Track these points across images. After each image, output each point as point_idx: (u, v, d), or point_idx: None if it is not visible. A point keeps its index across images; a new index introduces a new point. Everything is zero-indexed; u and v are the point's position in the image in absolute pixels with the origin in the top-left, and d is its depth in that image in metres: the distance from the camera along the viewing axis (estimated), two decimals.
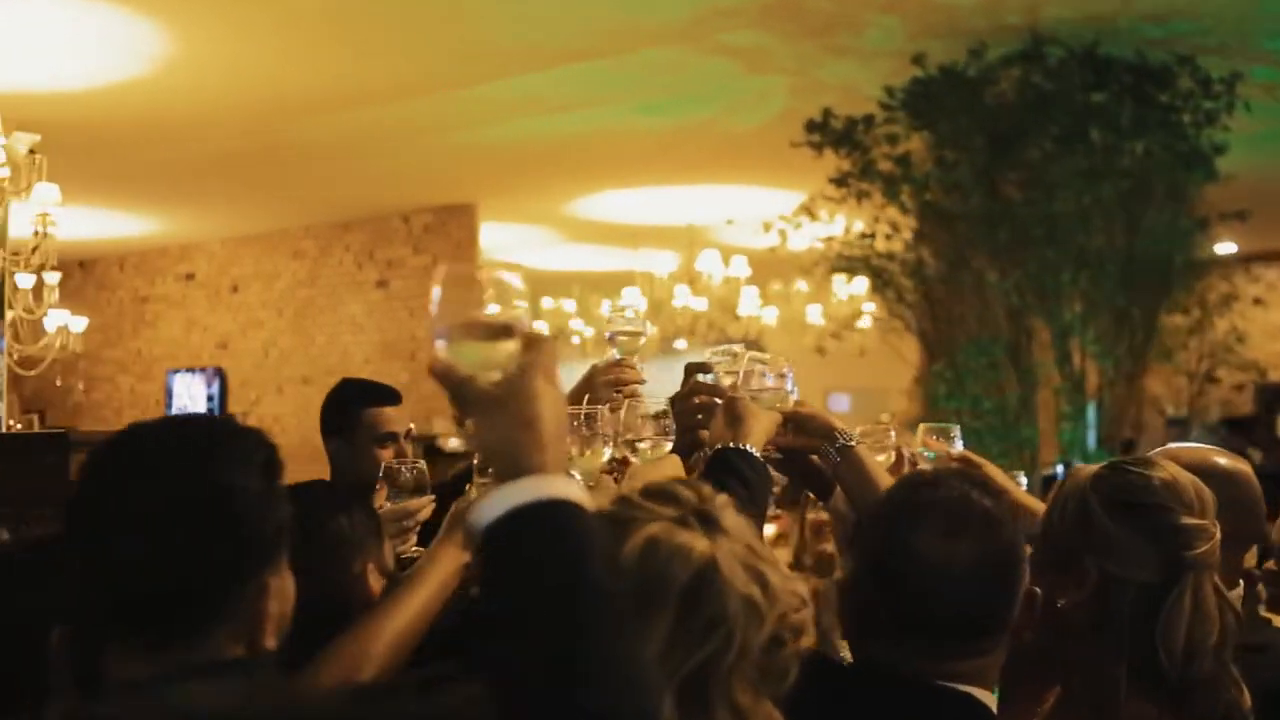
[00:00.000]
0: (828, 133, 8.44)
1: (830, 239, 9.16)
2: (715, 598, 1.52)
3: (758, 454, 2.39)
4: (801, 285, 12.33)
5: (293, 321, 13.92)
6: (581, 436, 2.40)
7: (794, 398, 2.65)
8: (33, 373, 11.38)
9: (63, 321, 11.77)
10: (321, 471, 3.64)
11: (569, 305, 14.79)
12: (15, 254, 7.77)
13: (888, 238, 8.71)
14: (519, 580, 1.27)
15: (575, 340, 14.97)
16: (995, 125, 8.08)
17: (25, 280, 11.21)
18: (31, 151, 7.82)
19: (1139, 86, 7.94)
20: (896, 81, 8.26)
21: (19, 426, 11.11)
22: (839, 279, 11.04)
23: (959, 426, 2.90)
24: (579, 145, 10.38)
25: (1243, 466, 2.70)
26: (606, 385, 2.72)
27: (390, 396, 3.94)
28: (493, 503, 1.30)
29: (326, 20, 7.75)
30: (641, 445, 2.46)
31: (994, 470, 2.79)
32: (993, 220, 8.11)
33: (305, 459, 2.88)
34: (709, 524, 1.58)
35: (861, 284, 10.87)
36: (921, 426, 2.93)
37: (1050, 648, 2.20)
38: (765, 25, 7.73)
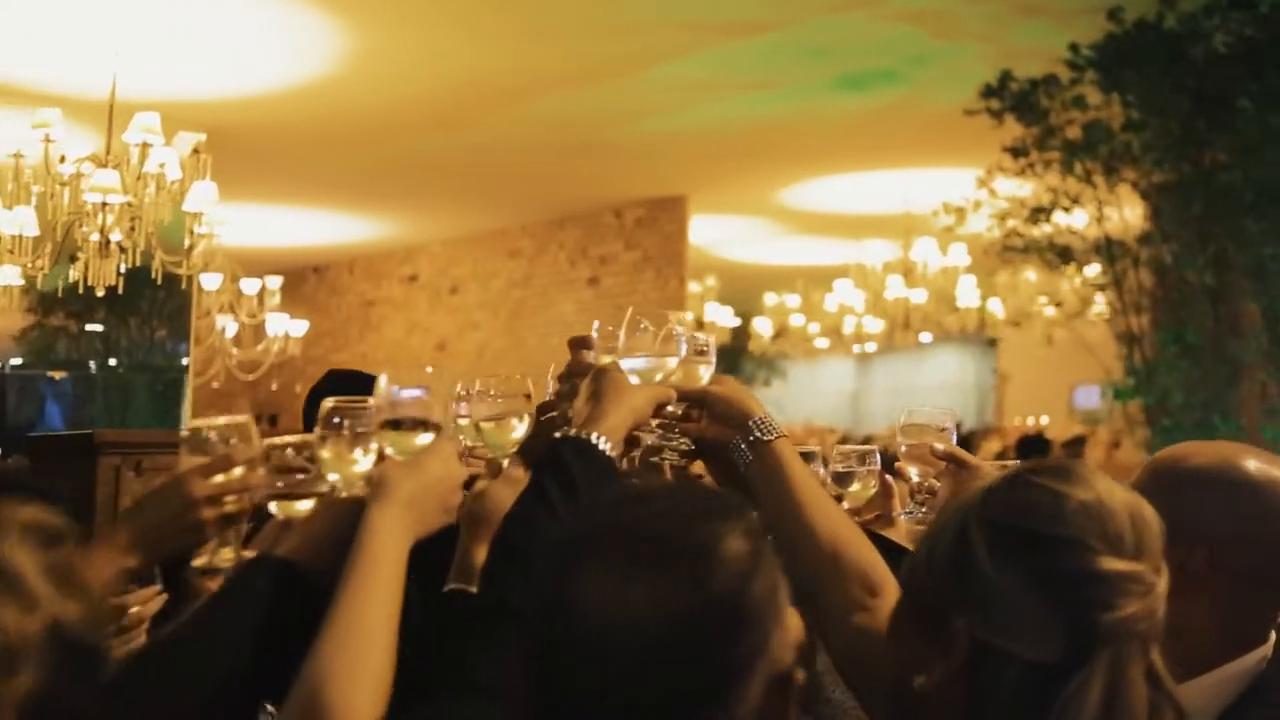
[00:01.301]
0: (1006, 97, 7.67)
1: (1004, 215, 8.32)
2: None
3: (607, 445, 1.78)
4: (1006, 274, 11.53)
5: (506, 323, 13.84)
6: (338, 435, 1.80)
7: (706, 374, 2.05)
8: (251, 377, 11.69)
9: (283, 327, 12.08)
10: None
11: (792, 300, 14.44)
12: (172, 256, 7.76)
13: (1065, 210, 7.84)
14: None
15: (822, 343, 14.52)
16: (1199, 84, 7.20)
17: (250, 286, 11.54)
18: (196, 151, 7.84)
19: None
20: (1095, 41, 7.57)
21: None
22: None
23: (953, 414, 2.36)
24: (782, 127, 9.96)
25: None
26: None
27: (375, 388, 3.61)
28: None
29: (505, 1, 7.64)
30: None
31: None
32: (1190, 189, 7.19)
33: None
34: None
35: (1092, 270, 9.97)
36: (908, 411, 2.39)
37: None
38: None
